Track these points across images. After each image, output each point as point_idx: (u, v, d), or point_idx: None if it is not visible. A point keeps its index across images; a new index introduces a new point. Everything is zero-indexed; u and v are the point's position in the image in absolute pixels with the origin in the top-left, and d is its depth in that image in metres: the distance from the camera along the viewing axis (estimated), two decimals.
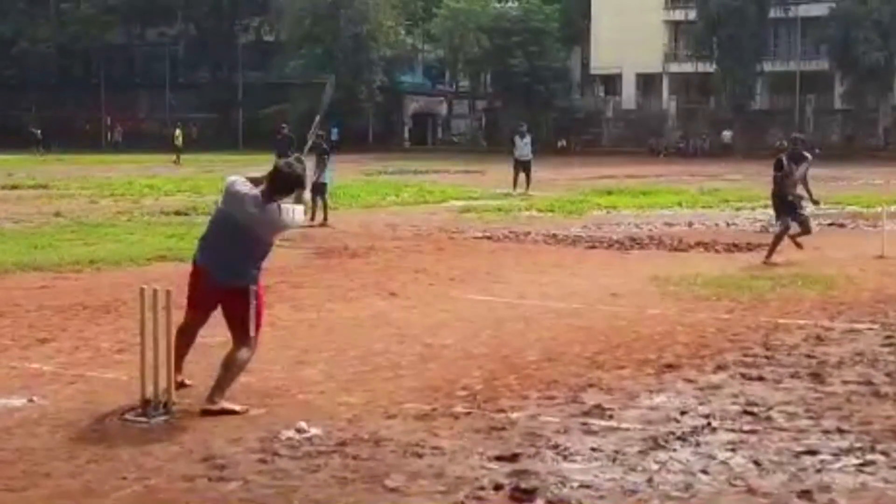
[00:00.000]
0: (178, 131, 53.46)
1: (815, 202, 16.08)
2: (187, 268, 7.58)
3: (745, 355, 8.75)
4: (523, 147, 30.56)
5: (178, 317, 7.46)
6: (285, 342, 9.20)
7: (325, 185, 21.52)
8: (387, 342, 9.31)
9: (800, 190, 15.49)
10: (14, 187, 30.91)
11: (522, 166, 30.14)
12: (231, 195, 7.22)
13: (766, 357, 8.71)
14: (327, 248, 16.93)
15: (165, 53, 75.38)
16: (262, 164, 40.62)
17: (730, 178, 36.89)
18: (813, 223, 16.06)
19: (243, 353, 7.16)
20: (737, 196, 26.37)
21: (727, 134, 66.40)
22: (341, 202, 24.58)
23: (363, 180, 35.16)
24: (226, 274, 7.17)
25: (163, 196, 27.72)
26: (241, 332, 7.18)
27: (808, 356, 8.77)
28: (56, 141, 63.62)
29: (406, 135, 79.84)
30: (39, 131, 62.27)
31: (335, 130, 60.89)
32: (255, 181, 7.24)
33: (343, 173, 33.27)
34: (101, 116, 74.62)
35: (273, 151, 37.17)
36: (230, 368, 7.11)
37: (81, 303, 11.16)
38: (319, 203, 21.21)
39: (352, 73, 69.06)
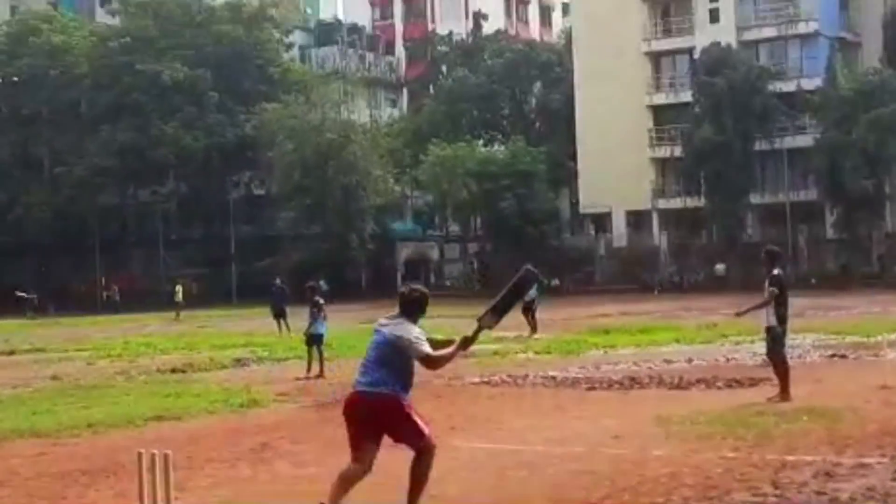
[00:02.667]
0: (177, 287, 53.50)
1: (738, 313, 15.27)
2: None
3: (755, 495, 8.65)
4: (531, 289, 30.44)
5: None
6: (286, 499, 9.11)
7: (321, 336, 21.54)
8: (389, 495, 9.22)
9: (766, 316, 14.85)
10: (11, 353, 30.86)
11: (528, 307, 30.03)
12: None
13: (776, 496, 8.61)
14: (325, 400, 16.86)
15: (158, 211, 76.00)
16: (257, 318, 40.45)
17: (726, 312, 36.90)
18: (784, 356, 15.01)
19: (427, 457, 8.08)
20: (735, 330, 26.36)
21: (720, 267, 66.59)
22: (337, 352, 24.52)
23: (358, 329, 35.07)
24: (373, 386, 8.02)
25: (159, 354, 27.69)
26: (413, 434, 7.99)
27: (819, 493, 8.67)
28: (52, 304, 63.70)
29: (399, 281, 79.78)
30: (34, 296, 62.49)
31: (322, 282, 61.00)
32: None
33: (337, 323, 33.27)
34: (95, 277, 74.93)
35: (269, 304, 37.59)
36: (419, 477, 8.07)
37: (80, 468, 11.06)
38: (315, 354, 21.21)
39: (342, 223, 69.73)
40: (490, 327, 8.35)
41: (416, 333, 8.08)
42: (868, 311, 35.46)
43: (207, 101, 72.75)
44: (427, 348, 8.06)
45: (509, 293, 8.45)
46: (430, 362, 8.17)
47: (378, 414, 8.02)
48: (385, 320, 8.29)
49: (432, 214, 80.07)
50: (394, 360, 8.05)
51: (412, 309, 8.20)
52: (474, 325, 8.19)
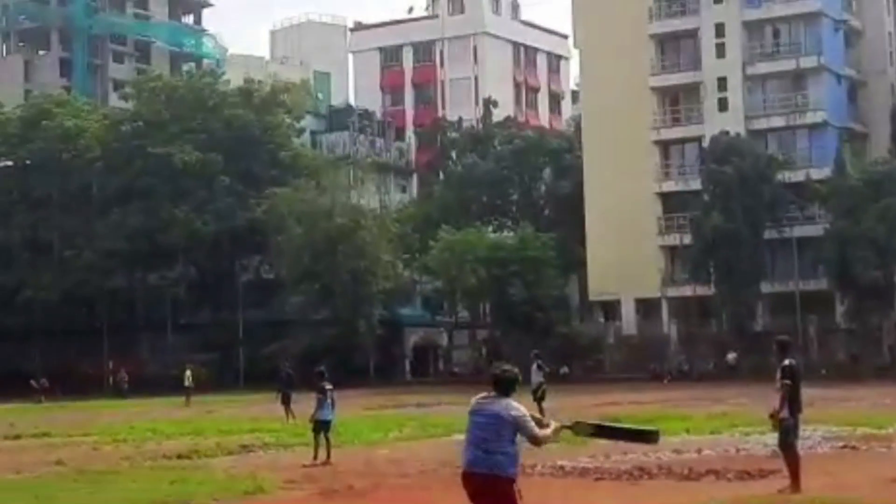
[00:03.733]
0: (187, 372, 52.57)
1: (772, 416, 14.74)
2: None
3: None
4: (535, 374, 31.03)
5: None
6: None
7: (328, 422, 21.44)
8: None
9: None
10: (17, 437, 30.68)
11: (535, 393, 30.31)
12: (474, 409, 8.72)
13: None
14: (332, 488, 16.75)
15: (167, 296, 76.37)
16: (264, 403, 40.13)
17: (736, 402, 36.72)
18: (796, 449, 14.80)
19: None
20: (745, 420, 26.18)
21: (731, 356, 65.96)
22: (344, 439, 24.41)
23: (365, 415, 35.01)
24: (492, 468, 8.46)
25: (165, 440, 27.56)
26: None
27: None
28: (59, 387, 63.58)
29: (407, 367, 79.70)
30: (45, 381, 62.81)
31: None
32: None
33: (344, 409, 33.13)
34: (103, 361, 74.84)
35: (276, 389, 37.43)
36: None
37: None
38: (322, 441, 21.11)
39: (351, 308, 69.61)
40: (579, 434, 9.20)
41: (527, 412, 8.62)
42: (879, 403, 35.23)
43: (218, 184, 73.33)
44: (536, 428, 8.66)
45: (621, 432, 9.39)
46: (539, 442, 8.73)
47: (491, 496, 8.48)
48: (485, 399, 8.68)
49: (441, 300, 80.00)
50: (509, 439, 8.51)
51: (508, 388, 8.68)
52: (569, 422, 8.99)
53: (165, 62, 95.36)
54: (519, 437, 8.58)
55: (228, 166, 73.78)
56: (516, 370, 8.82)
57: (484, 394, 8.74)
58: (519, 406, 8.59)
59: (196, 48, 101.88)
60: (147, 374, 72.62)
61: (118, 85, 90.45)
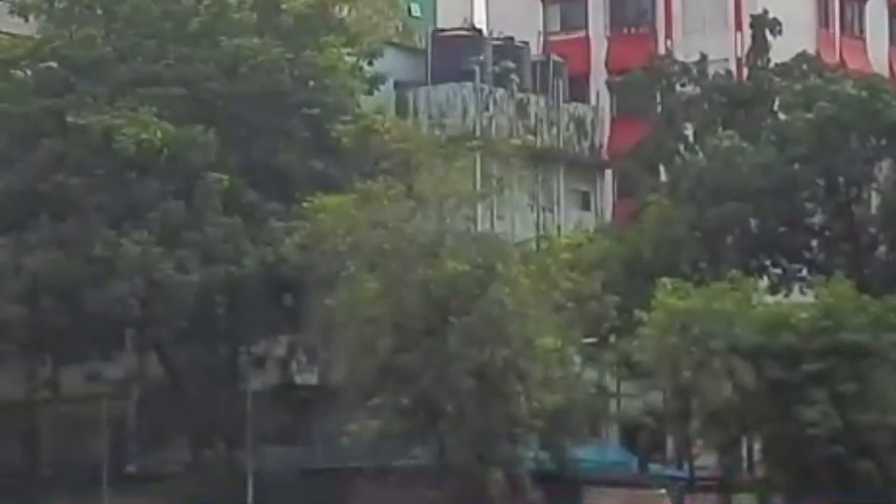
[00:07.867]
0: None
1: None
2: None
3: None
4: None
5: None
6: None
7: None
8: None
9: None
10: None
11: None
12: None
13: None
14: None
15: (100, 415, 77.47)
16: None
17: None
18: None
19: None
20: None
21: None
22: None
23: None
24: None
25: None
26: None
27: None
28: None
29: None
30: None
31: None
32: None
33: None
34: None
35: None
36: None
37: None
38: None
39: (477, 447, 69.03)
40: None
41: None
42: None
43: (206, 190, 73.78)
44: None
45: None
46: None
47: None
48: None
49: (661, 432, 79.58)
50: None
51: None
52: None
53: None
54: None
55: (228, 152, 74.46)
56: None
57: None
58: None
59: None
60: None
61: None
